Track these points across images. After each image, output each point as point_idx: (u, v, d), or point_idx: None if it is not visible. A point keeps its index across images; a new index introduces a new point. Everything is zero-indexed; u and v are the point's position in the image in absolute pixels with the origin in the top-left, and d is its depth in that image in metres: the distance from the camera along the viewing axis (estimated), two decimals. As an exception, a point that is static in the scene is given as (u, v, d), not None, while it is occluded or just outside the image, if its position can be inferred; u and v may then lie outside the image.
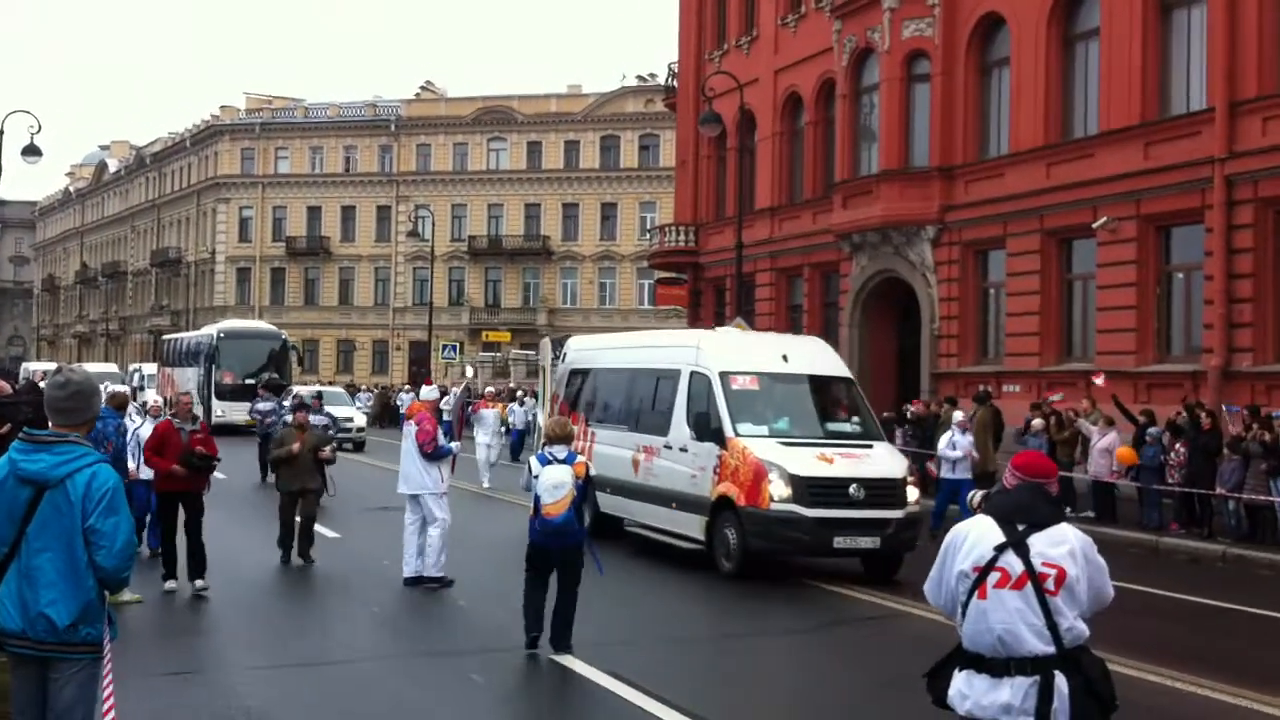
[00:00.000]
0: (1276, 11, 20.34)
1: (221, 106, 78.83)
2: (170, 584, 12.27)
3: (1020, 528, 4.63)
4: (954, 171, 27.24)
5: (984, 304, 27.09)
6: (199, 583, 12.10)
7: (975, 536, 4.71)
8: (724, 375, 14.68)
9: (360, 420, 36.47)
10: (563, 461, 9.83)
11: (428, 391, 14.80)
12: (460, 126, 70.89)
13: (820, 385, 15.50)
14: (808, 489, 13.46)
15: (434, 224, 58.59)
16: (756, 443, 13.99)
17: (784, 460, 13.60)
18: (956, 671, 4.68)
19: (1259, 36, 20.31)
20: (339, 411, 31.26)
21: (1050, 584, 4.54)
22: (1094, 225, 22.98)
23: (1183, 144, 21.61)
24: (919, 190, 27.75)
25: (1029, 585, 4.53)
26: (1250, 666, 10.17)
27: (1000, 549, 4.60)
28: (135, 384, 45.07)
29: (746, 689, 9.54)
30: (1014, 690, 4.50)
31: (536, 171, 69.19)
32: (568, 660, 9.59)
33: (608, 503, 16.45)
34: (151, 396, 14.26)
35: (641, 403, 16.39)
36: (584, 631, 9.86)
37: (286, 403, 32.56)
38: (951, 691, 4.69)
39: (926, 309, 27.96)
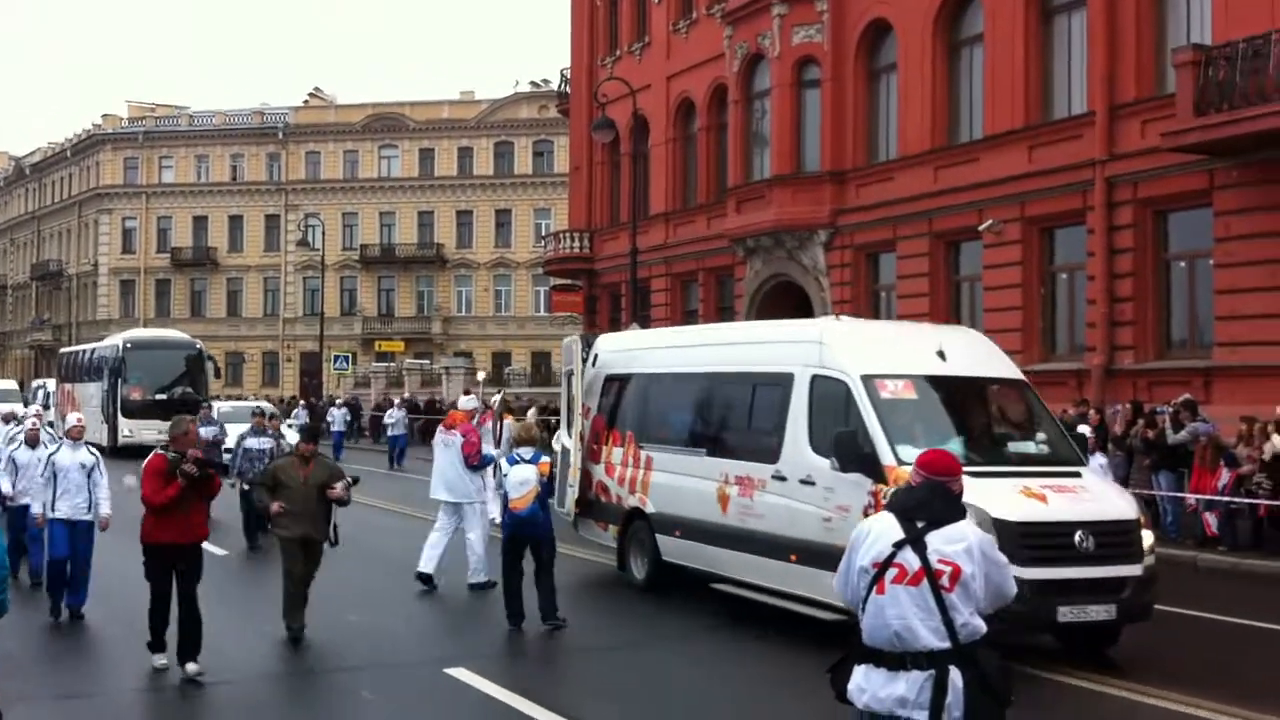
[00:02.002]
0: (1154, 17, 20.88)
1: (103, 115, 76.97)
2: (159, 660, 9.67)
3: (919, 524, 4.71)
4: (845, 176, 27.54)
5: (876, 306, 27.42)
6: (191, 667, 9.41)
7: (877, 532, 4.78)
8: (869, 380, 10.88)
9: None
10: (529, 461, 11.40)
11: (466, 401, 15.31)
12: (350, 134, 70.09)
13: (989, 391, 11.90)
14: (1021, 540, 9.39)
15: (324, 233, 57.88)
16: None
17: (983, 499, 9.17)
18: (856, 666, 4.72)
19: (1137, 42, 20.83)
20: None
21: (945, 580, 4.60)
22: (980, 228, 23.39)
23: (1065, 147, 22.08)
24: (811, 194, 28.01)
25: (925, 581, 4.60)
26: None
27: (899, 545, 4.67)
28: (40, 402, 39.13)
29: (640, 697, 9.49)
30: (909, 684, 4.56)
31: (429, 178, 68.63)
32: (462, 674, 9.51)
33: (675, 549, 12.99)
34: (73, 418, 12.31)
35: (727, 418, 12.92)
36: (478, 645, 9.77)
37: (212, 429, 29.66)
38: (850, 685, 4.73)
39: (820, 312, 28.16)
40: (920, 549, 4.64)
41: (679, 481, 12.95)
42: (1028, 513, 9.76)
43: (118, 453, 31.74)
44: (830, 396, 11.15)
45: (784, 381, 11.69)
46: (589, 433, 14.54)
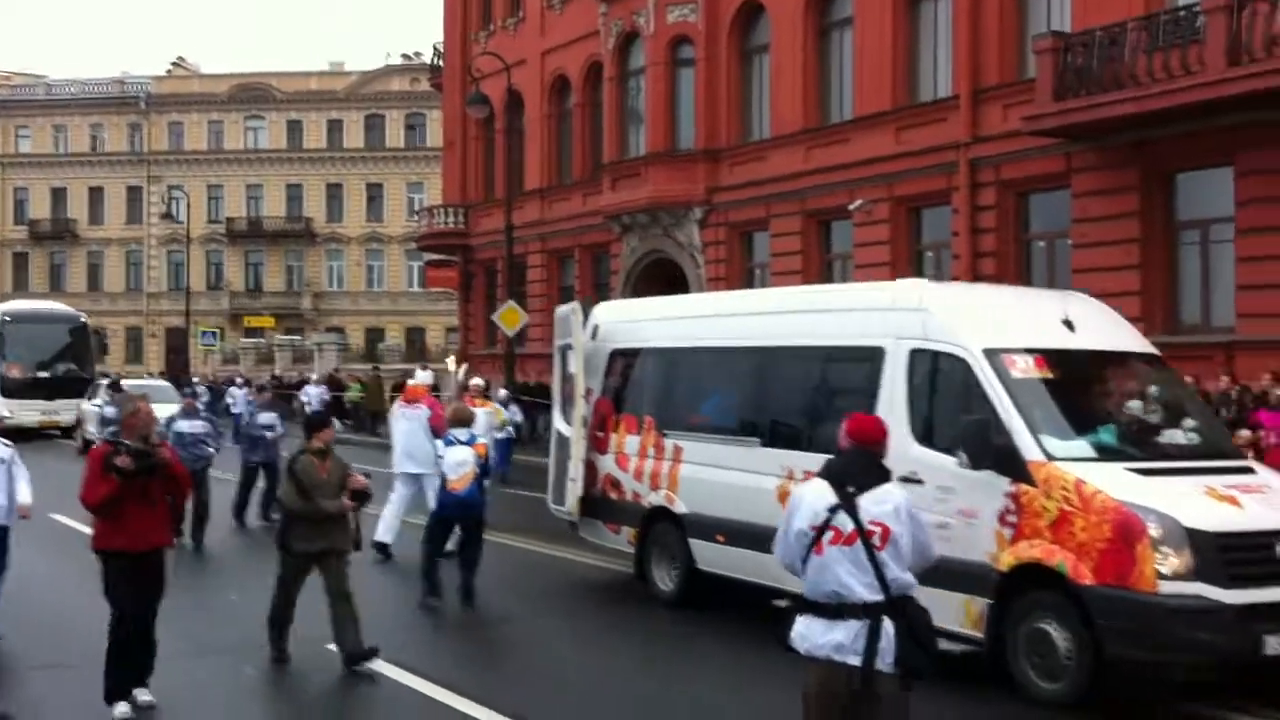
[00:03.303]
0: (1016, 4, 21.54)
1: (-45, 82, 74.19)
2: (121, 710, 7.89)
3: (849, 489, 5.18)
4: (719, 154, 27.92)
5: (750, 283, 27.84)
6: (143, 696, 8.05)
7: (811, 498, 5.25)
8: (993, 356, 8.97)
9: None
10: (465, 443, 11.31)
11: (423, 376, 15.94)
12: (215, 104, 68.59)
13: (1127, 367, 9.99)
14: (1221, 554, 7.89)
15: (189, 205, 56.66)
16: (1096, 471, 8.35)
17: (1165, 502, 8.00)
18: (798, 617, 5.21)
19: (999, 27, 21.49)
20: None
21: (876, 540, 5.09)
22: (850, 207, 23.95)
23: (930, 129, 22.71)
24: (685, 172, 28.34)
25: (859, 541, 5.09)
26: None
27: (833, 509, 5.14)
28: None
29: (529, 670, 9.68)
30: (846, 631, 5.06)
31: (298, 151, 67.54)
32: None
33: (716, 557, 10.92)
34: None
35: (791, 400, 10.72)
36: (367, 628, 9.74)
37: (97, 401, 26.91)
38: (793, 634, 5.21)
39: (696, 288, 28.56)
40: (853, 511, 5.11)
41: (722, 476, 10.86)
42: (1223, 520, 8.00)
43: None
44: (939, 375, 9.30)
45: (870, 356, 9.66)
46: (591, 418, 12.43)
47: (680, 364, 12.06)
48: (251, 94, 68.11)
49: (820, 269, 25.68)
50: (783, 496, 9.62)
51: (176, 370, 52.08)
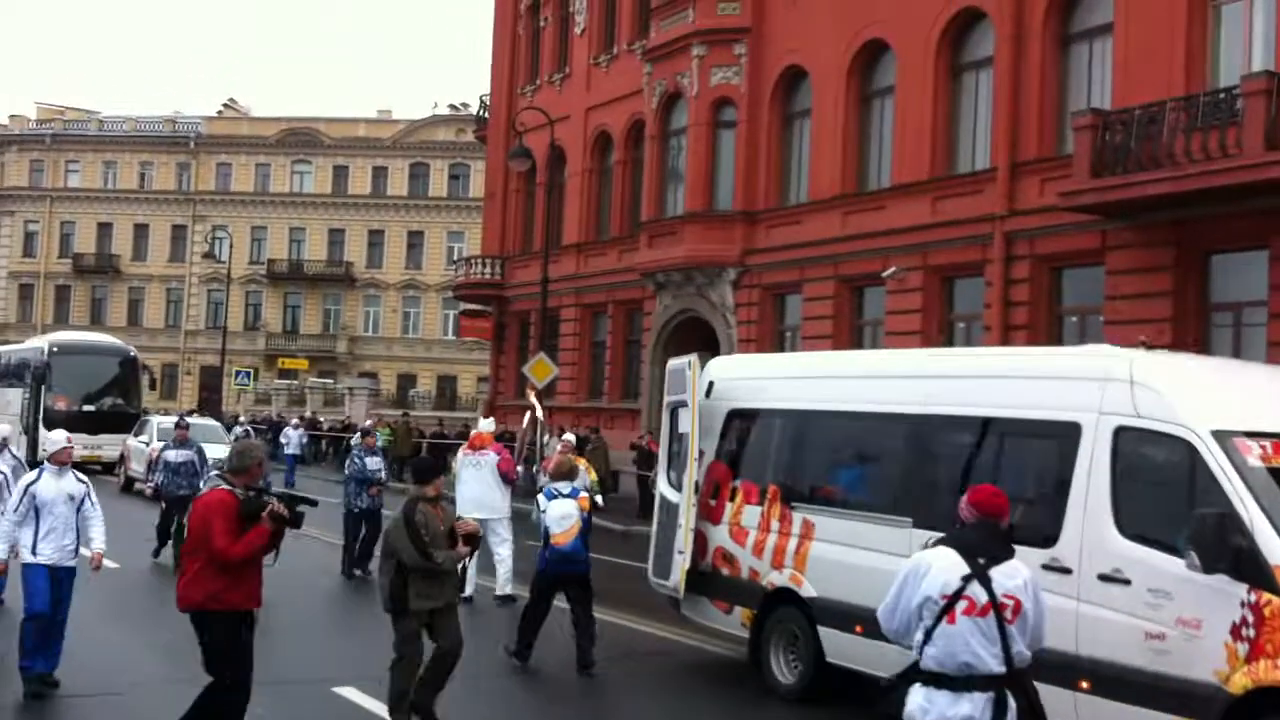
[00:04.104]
0: (1057, 79, 21.62)
1: (10, 116, 75.49)
2: None
3: (981, 561, 5.18)
4: (756, 216, 28.04)
5: (781, 346, 27.87)
6: None
7: (941, 566, 5.22)
8: (1224, 439, 7.71)
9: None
10: (568, 496, 10.90)
11: (487, 424, 16.16)
12: (263, 147, 69.48)
13: None
14: None
15: (232, 245, 57.25)
16: None
17: None
18: (916, 688, 5.16)
19: (1039, 102, 21.54)
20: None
21: (1008, 613, 5.15)
22: (883, 274, 23.95)
23: (967, 200, 22.73)
24: (722, 233, 28.47)
25: (992, 613, 5.11)
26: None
27: (966, 579, 5.14)
28: None
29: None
30: (974, 704, 5.12)
31: (342, 196, 68.23)
32: (353, 694, 9.54)
33: (852, 650, 9.63)
34: (60, 437, 9.91)
35: (954, 477, 9.11)
36: (371, 667, 9.67)
37: (143, 438, 26.93)
38: (912, 706, 5.18)
39: (726, 349, 28.56)
40: (986, 583, 5.16)
41: (862, 558, 9.54)
42: None
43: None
44: (1152, 459, 8.13)
45: (1062, 433, 8.42)
46: (703, 484, 11.32)
47: (814, 429, 10.83)
48: (299, 138, 68.96)
49: (851, 334, 25.67)
50: None
51: (212, 408, 52.41)
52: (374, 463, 16.71)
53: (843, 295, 25.79)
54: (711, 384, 11.79)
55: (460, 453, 15.49)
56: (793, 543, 10.36)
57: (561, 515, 10.79)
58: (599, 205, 34.70)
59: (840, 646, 9.74)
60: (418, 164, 67.64)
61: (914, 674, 5.21)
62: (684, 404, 11.58)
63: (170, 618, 11.35)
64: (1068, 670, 7.77)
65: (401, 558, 8.29)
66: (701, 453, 11.25)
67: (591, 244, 34.42)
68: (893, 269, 23.78)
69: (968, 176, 23.12)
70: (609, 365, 33.72)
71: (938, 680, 5.11)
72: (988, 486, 5.75)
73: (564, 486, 11.07)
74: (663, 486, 12.11)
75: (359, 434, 18.99)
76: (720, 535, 11.18)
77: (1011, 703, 5.09)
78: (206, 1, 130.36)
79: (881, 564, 8.89)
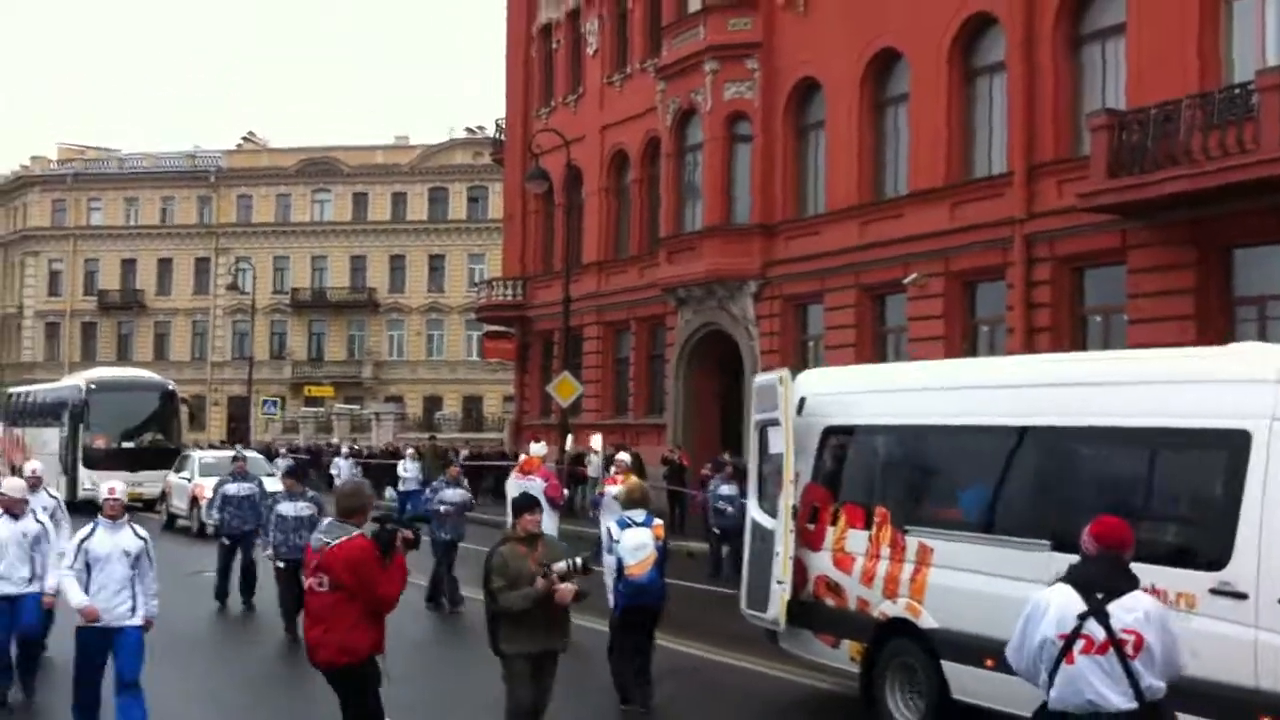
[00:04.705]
0: (1071, 81, 21.65)
1: (32, 157, 76.32)
2: None
3: (1099, 596, 5.17)
4: (774, 228, 28.12)
5: (803, 356, 27.89)
6: None
7: (1058, 605, 5.21)
8: None
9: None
10: (642, 524, 10.16)
11: (538, 448, 16.35)
12: (283, 177, 69.95)
13: None
14: None
15: (255, 276, 57.64)
16: None
17: None
18: None
19: (1054, 104, 21.57)
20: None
21: (1129, 649, 5.09)
22: (904, 281, 23.99)
23: (986, 205, 22.76)
24: (741, 246, 28.55)
25: (1111, 650, 5.07)
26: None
27: (1083, 617, 5.12)
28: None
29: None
30: None
31: (362, 223, 68.59)
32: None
33: (982, 687, 8.68)
34: (30, 466, 10.50)
35: (1098, 496, 8.26)
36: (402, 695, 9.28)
37: (184, 474, 26.28)
38: None
39: (749, 361, 28.66)
40: (1103, 619, 5.11)
41: (991, 586, 8.58)
42: None
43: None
44: None
45: (1229, 442, 7.52)
46: (800, 508, 10.52)
47: (928, 446, 9.98)
48: (318, 167, 69.40)
49: (874, 342, 25.70)
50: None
51: (238, 438, 52.70)
52: (454, 495, 15.90)
53: (864, 304, 25.82)
54: (803, 400, 10.88)
55: (511, 477, 15.91)
56: (907, 569, 9.49)
57: (636, 545, 10.06)
58: (617, 223, 34.83)
59: (967, 683, 8.84)
60: (436, 188, 67.98)
61: (1043, 715, 5.26)
62: (774, 422, 10.81)
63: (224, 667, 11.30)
64: (1245, 707, 6.99)
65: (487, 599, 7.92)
66: (797, 474, 10.44)
67: (611, 262, 34.55)
68: (914, 275, 23.81)
69: (985, 181, 23.15)
70: (633, 381, 33.81)
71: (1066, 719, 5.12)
72: (1111, 517, 5.65)
73: (637, 514, 10.32)
74: (754, 512, 11.34)
75: (445, 463, 18.48)
76: (822, 563, 10.37)
77: None
78: (223, 36, 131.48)
79: (1014, 591, 7.89)
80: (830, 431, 10.69)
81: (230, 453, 31.07)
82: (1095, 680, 5.07)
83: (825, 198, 27.07)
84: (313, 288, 69.00)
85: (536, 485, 14.92)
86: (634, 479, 13.12)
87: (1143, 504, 8.29)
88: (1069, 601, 5.21)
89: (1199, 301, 18.87)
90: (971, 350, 23.62)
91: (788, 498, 10.31)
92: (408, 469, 29.72)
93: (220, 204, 70.49)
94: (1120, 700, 5.05)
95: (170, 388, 35.02)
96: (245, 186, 70.43)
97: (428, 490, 16.83)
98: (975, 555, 8.94)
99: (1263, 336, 18.28)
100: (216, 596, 15.89)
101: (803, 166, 28.07)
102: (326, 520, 7.24)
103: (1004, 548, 8.69)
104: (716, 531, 19.33)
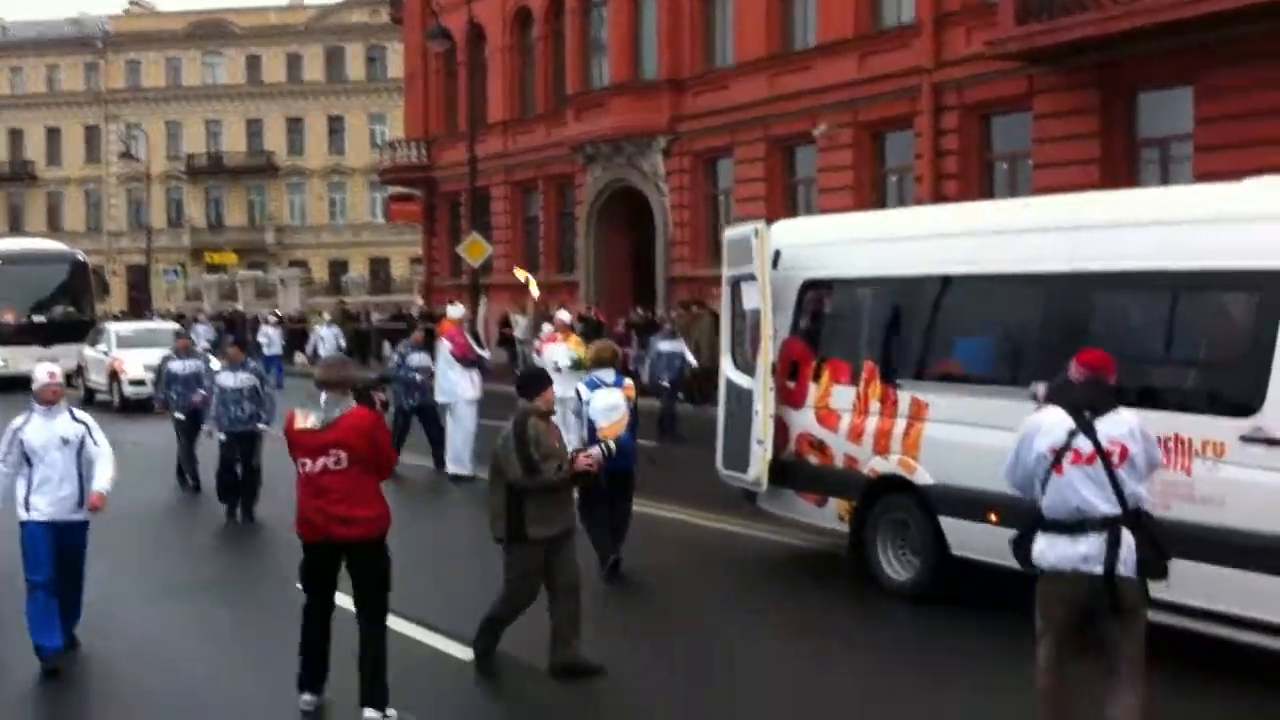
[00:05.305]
0: (976, -73, 21.54)
1: (-94, 22, 72.87)
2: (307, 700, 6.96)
3: (1086, 414, 5.59)
4: (683, 83, 27.86)
5: (714, 211, 27.95)
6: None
7: (1050, 424, 5.65)
8: None
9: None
10: (613, 385, 9.73)
11: (454, 310, 16.40)
12: (173, 41, 67.66)
13: None
14: None
15: (148, 143, 56.05)
16: None
17: None
18: (1039, 535, 5.64)
19: (961, -49, 21.48)
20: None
21: (1115, 459, 5.52)
22: (814, 133, 24.00)
23: (894, 55, 22.72)
24: (649, 102, 28.29)
25: (1098, 461, 5.51)
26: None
27: (1072, 433, 5.56)
28: None
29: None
30: (1089, 544, 5.48)
31: (257, 86, 66.77)
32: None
33: (985, 542, 8.14)
34: (43, 371, 9.37)
35: (1115, 343, 7.20)
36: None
37: (99, 347, 25.22)
38: (1036, 551, 5.65)
39: (660, 217, 28.65)
40: (1091, 434, 5.53)
41: (994, 439, 7.56)
42: None
43: None
44: None
45: (1259, 283, 7.08)
46: (779, 365, 10.05)
47: (921, 297, 9.27)
48: (209, 30, 67.22)
49: (784, 195, 25.78)
50: None
51: (140, 308, 51.72)
52: (418, 359, 15.68)
53: (774, 157, 25.83)
54: (778, 252, 10.15)
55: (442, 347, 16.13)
56: (900, 424, 9.09)
57: (608, 406, 9.57)
58: (523, 81, 34.24)
59: (969, 539, 8.47)
60: (333, 48, 66.26)
61: (1037, 523, 5.65)
62: (748, 277, 10.19)
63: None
64: (1274, 555, 6.74)
65: (509, 477, 7.31)
66: (775, 331, 9.96)
67: (518, 121, 34.05)
68: (822, 127, 23.82)
69: (893, 31, 23.09)
70: (543, 240, 33.65)
71: (1057, 526, 5.53)
72: (1096, 350, 6.00)
73: (607, 375, 9.79)
74: (728, 370, 10.71)
75: (174, 335, 17.37)
76: (805, 421, 9.92)
77: (1128, 538, 5.45)
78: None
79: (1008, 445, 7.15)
80: (810, 285, 10.18)
81: (149, 324, 30.50)
82: (1082, 488, 5.48)
83: (734, 51, 26.83)
84: (209, 153, 67.37)
85: (444, 346, 15.25)
86: (608, 341, 12.46)
87: (1164, 350, 7.94)
88: (1060, 420, 5.61)
89: (1104, 145, 19.14)
90: (880, 202, 23.80)
91: (766, 355, 9.85)
92: (324, 336, 29.02)
93: (108, 70, 68.14)
94: (1106, 506, 5.45)
95: (80, 257, 33.02)
96: (134, 52, 68.08)
97: (395, 357, 16.47)
98: (977, 408, 8.48)
99: (1165, 177, 18.70)
100: (179, 475, 14.98)
101: (710, 20, 27.73)
102: (321, 396, 6.78)
103: (1010, 399, 8.01)
104: (666, 385, 19.25)
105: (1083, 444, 5.52)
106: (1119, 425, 5.59)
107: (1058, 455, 5.55)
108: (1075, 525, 5.50)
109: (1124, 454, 5.53)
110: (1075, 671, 5.69)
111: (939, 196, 21.61)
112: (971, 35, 20.95)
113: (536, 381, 7.69)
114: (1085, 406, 5.62)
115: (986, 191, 21.52)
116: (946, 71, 21.62)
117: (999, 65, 20.07)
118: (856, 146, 23.64)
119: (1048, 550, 5.56)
